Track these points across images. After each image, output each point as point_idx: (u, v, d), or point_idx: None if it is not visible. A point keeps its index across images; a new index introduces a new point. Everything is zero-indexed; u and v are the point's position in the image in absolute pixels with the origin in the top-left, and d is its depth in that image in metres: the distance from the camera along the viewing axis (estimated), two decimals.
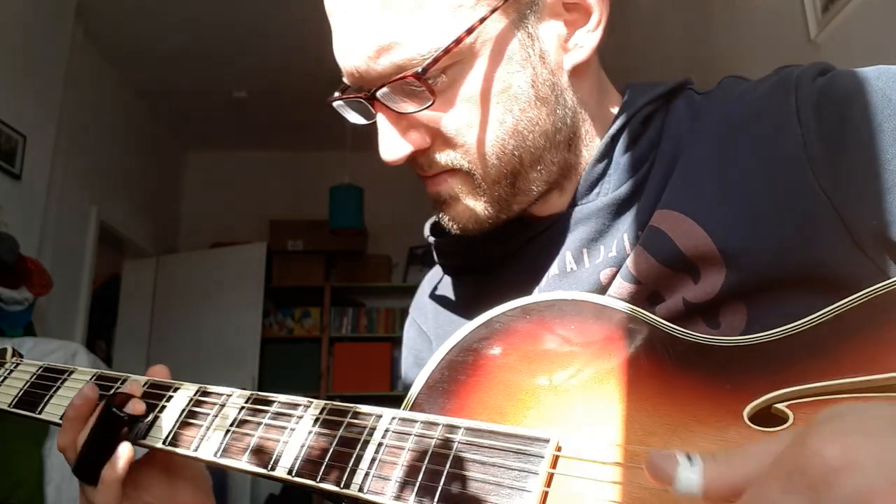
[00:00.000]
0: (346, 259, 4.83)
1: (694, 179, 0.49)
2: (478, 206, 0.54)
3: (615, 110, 0.58)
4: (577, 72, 0.54)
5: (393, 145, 0.53)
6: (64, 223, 3.28)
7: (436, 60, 0.48)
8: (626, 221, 0.53)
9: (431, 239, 0.65)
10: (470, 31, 0.48)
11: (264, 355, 4.34)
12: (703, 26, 2.69)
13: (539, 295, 0.47)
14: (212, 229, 4.83)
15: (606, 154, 0.55)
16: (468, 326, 0.47)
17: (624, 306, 0.43)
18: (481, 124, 0.51)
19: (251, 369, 4.19)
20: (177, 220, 4.99)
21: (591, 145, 0.57)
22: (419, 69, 0.48)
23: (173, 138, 4.88)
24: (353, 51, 0.51)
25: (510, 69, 0.51)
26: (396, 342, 4.71)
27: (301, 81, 4.09)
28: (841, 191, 0.44)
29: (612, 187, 0.54)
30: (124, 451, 0.51)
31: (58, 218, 3.19)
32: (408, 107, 0.51)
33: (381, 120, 0.53)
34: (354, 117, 0.56)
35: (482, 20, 0.48)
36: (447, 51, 0.48)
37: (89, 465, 0.52)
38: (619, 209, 0.53)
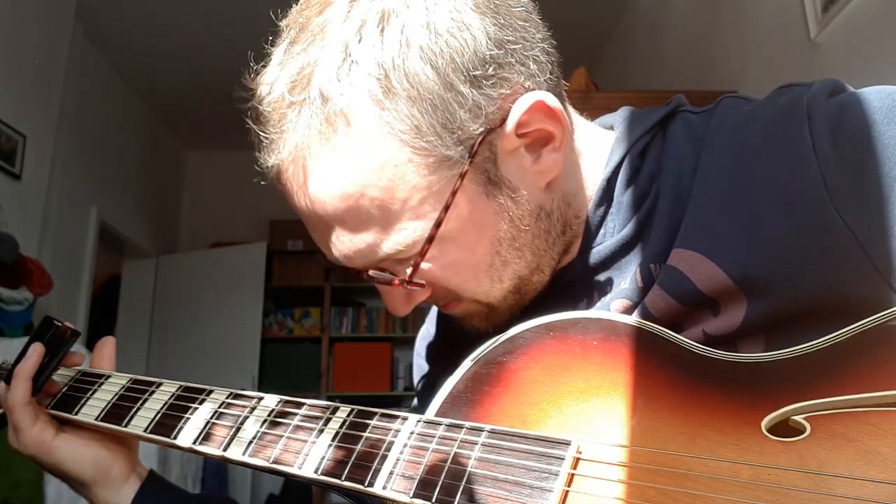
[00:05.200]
0: None
1: (709, 217, 0.48)
2: (492, 318, 0.56)
3: (607, 150, 0.57)
4: (552, 181, 0.53)
5: (397, 306, 0.54)
6: (64, 223, 3.28)
7: (416, 266, 0.49)
8: (637, 255, 0.53)
9: None
10: (439, 223, 0.48)
11: (264, 355, 4.35)
12: (703, 26, 2.69)
13: (562, 314, 0.47)
14: (212, 229, 4.83)
15: (606, 196, 0.55)
16: (492, 341, 0.47)
17: (644, 324, 0.44)
18: (472, 275, 0.52)
19: (251, 369, 4.20)
20: (177, 220, 4.99)
21: (586, 205, 0.56)
22: (404, 279, 0.50)
23: (173, 138, 4.88)
24: (331, 250, 0.52)
25: (486, 223, 0.51)
26: (396, 342, 4.72)
27: None
28: (865, 226, 0.43)
29: (618, 227, 0.54)
30: (38, 347, 0.63)
31: (58, 218, 3.20)
32: (400, 272, 0.52)
33: (382, 291, 0.55)
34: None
35: (447, 208, 0.48)
36: (423, 252, 0.49)
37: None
38: (630, 244, 0.53)
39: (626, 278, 0.52)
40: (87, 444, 0.61)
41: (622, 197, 0.54)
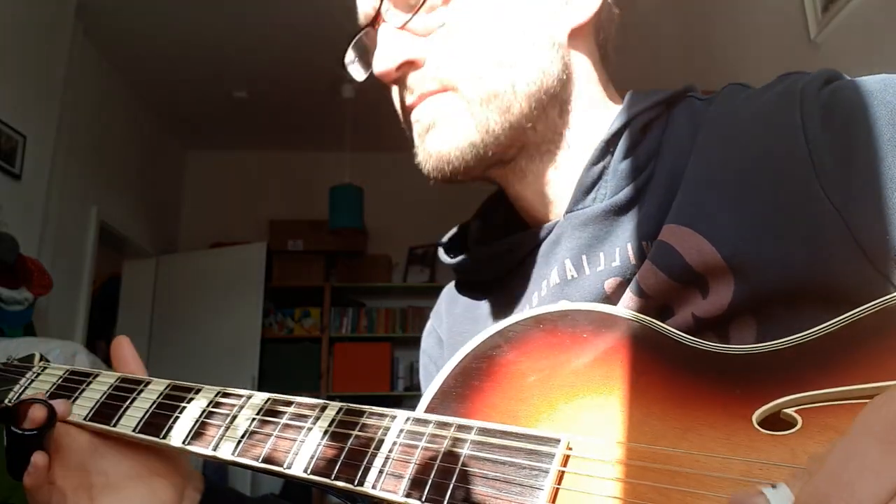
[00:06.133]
0: (346, 259, 4.83)
1: (700, 193, 0.49)
2: (465, 127, 0.54)
3: (614, 113, 0.58)
4: (575, 36, 0.56)
5: (387, 53, 0.54)
6: (64, 223, 3.28)
7: None
8: (627, 230, 0.52)
9: (446, 259, 0.66)
10: None
11: (264, 355, 4.35)
12: (703, 26, 2.69)
13: (552, 305, 0.47)
14: (212, 229, 4.83)
15: (602, 157, 0.55)
16: (482, 335, 0.47)
17: (635, 316, 0.43)
18: (473, 45, 0.54)
19: (251, 369, 4.20)
20: (177, 220, 5.00)
21: (584, 131, 0.57)
22: None
23: (173, 138, 4.88)
24: None
25: (506, 1, 0.54)
26: (396, 342, 4.72)
27: (301, 81, 4.10)
28: (851, 205, 0.43)
29: (610, 193, 0.54)
30: (39, 460, 0.52)
31: (58, 218, 3.20)
32: (405, 17, 0.54)
33: (380, 34, 0.55)
34: (359, 73, 0.60)
35: None
36: None
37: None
38: (617, 215, 0.53)
39: (615, 254, 0.52)
40: (130, 499, 0.55)
41: (619, 165, 0.54)
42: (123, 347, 0.61)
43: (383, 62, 0.54)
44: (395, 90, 0.59)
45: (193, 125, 4.76)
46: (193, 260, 4.58)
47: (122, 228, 4.05)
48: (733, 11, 2.46)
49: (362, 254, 4.83)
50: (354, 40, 0.59)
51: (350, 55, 0.59)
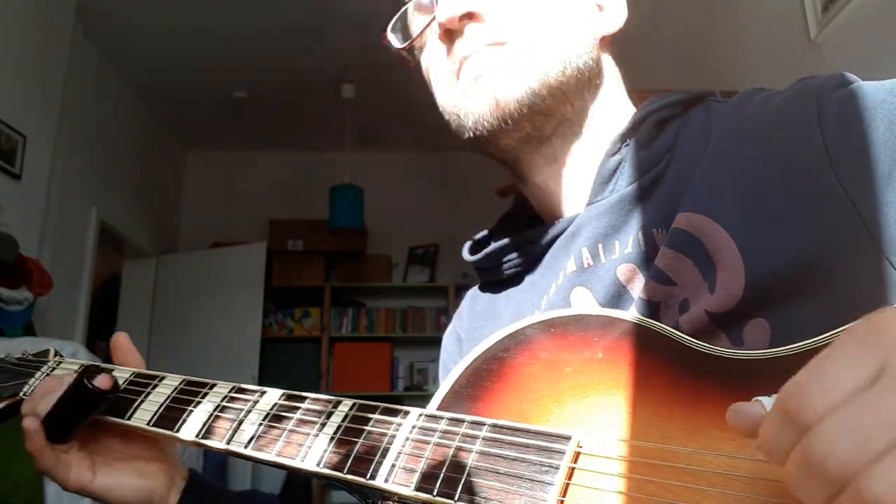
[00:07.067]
0: (346, 259, 4.83)
1: (715, 184, 0.50)
2: (525, 73, 0.57)
3: (632, 112, 0.61)
4: (602, 43, 0.62)
5: (453, 1, 0.57)
6: (64, 223, 3.28)
7: None
8: (641, 218, 0.54)
9: (468, 257, 0.68)
10: None
11: (264, 355, 4.35)
12: (704, 26, 2.70)
13: (563, 310, 0.48)
14: (212, 229, 4.83)
15: (618, 150, 0.57)
16: (493, 337, 0.48)
17: (646, 321, 0.44)
18: (530, 9, 0.58)
19: (251, 369, 4.20)
20: (177, 220, 5.00)
21: (607, 123, 0.60)
22: None
23: (173, 138, 4.88)
24: None
25: None
26: (396, 342, 4.72)
27: (301, 81, 4.10)
28: (865, 197, 0.44)
29: (625, 183, 0.56)
30: (30, 425, 0.59)
31: (58, 218, 3.20)
32: None
33: None
34: (418, 22, 0.63)
35: None
36: None
37: (59, 427, 0.58)
38: (631, 205, 0.54)
39: (628, 241, 0.54)
40: (128, 477, 0.61)
41: (635, 156, 0.56)
42: (122, 344, 0.66)
43: (449, 10, 0.56)
44: (431, 52, 0.62)
45: (193, 125, 4.76)
46: (193, 260, 4.58)
47: (122, 228, 4.05)
48: (733, 11, 2.46)
49: (362, 254, 4.83)
50: (404, 7, 0.63)
51: (394, 24, 0.63)
